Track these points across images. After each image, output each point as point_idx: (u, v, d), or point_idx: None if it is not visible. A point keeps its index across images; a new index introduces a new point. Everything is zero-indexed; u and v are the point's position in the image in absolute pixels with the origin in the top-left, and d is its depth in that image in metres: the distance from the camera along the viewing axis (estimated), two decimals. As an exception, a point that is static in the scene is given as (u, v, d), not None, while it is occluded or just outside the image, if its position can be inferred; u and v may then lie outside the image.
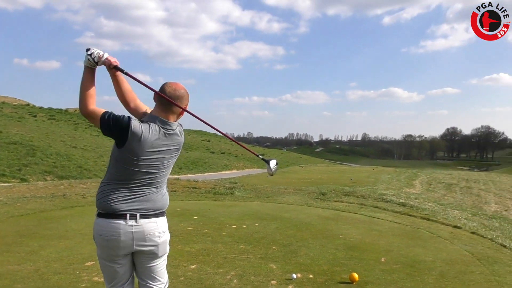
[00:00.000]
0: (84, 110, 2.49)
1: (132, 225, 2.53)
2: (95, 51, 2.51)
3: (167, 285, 2.82)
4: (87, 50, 2.50)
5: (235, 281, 4.55)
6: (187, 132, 74.68)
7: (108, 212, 2.53)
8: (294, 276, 4.66)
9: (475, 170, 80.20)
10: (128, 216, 2.52)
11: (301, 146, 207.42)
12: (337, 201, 10.90)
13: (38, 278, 4.52)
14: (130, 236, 2.53)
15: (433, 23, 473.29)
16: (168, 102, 2.60)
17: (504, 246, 6.37)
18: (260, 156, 3.24)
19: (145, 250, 2.61)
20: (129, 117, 2.52)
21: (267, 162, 3.10)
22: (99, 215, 2.58)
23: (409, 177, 29.45)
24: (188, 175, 27.55)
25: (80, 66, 2.57)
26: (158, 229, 2.64)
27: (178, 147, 2.71)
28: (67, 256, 5.34)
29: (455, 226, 7.84)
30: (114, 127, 2.45)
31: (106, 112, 2.48)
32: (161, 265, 2.76)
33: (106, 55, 2.56)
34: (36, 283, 4.37)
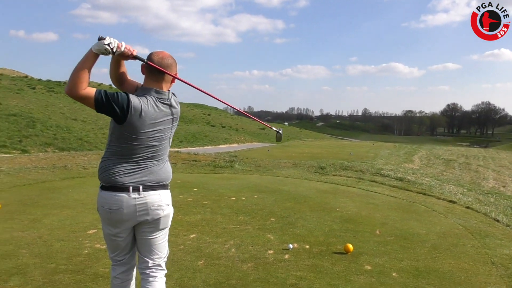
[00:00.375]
0: (76, 93, 2.35)
1: (135, 198, 2.53)
2: (113, 41, 2.42)
3: (165, 259, 2.83)
4: (102, 39, 2.38)
5: (233, 250, 4.68)
6: (187, 105, 74.52)
7: (111, 185, 2.54)
8: (291, 246, 4.79)
9: (475, 146, 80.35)
10: (131, 188, 2.52)
11: (302, 120, 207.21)
12: (335, 175, 11.02)
13: (42, 244, 4.66)
14: (133, 208, 2.54)
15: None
16: (159, 71, 2.58)
17: (497, 221, 6.51)
18: (274, 129, 3.36)
19: (148, 221, 2.62)
20: (126, 93, 2.48)
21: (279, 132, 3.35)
22: (102, 187, 2.58)
23: (408, 153, 29.54)
24: (189, 148, 27.72)
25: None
26: (161, 202, 2.64)
27: (176, 116, 2.68)
28: (69, 224, 5.48)
29: (450, 201, 7.97)
30: (115, 105, 2.40)
31: (98, 92, 2.40)
32: (161, 239, 2.75)
33: (124, 44, 2.48)
34: (40, 248, 4.51)
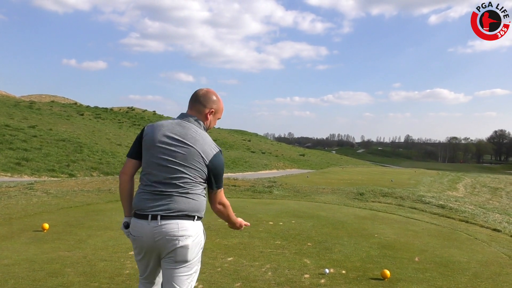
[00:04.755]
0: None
1: (153, 226, 2.50)
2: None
3: None
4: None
5: (270, 273, 4.73)
6: (228, 131, 75.38)
7: (135, 212, 2.62)
8: (327, 271, 4.79)
9: (524, 174, 76.97)
10: (150, 216, 2.51)
11: (342, 147, 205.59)
12: (374, 201, 10.90)
13: (86, 263, 4.87)
14: (151, 236, 2.50)
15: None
16: (190, 101, 2.75)
17: (544, 250, 6.26)
18: None
19: (167, 250, 2.53)
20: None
21: None
22: (133, 213, 2.68)
23: (452, 180, 28.76)
24: (229, 174, 27.94)
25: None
26: (178, 232, 2.50)
27: (193, 147, 2.58)
28: (112, 245, 5.68)
29: (494, 229, 7.75)
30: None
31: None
32: (181, 272, 2.56)
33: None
34: (84, 268, 4.71)
